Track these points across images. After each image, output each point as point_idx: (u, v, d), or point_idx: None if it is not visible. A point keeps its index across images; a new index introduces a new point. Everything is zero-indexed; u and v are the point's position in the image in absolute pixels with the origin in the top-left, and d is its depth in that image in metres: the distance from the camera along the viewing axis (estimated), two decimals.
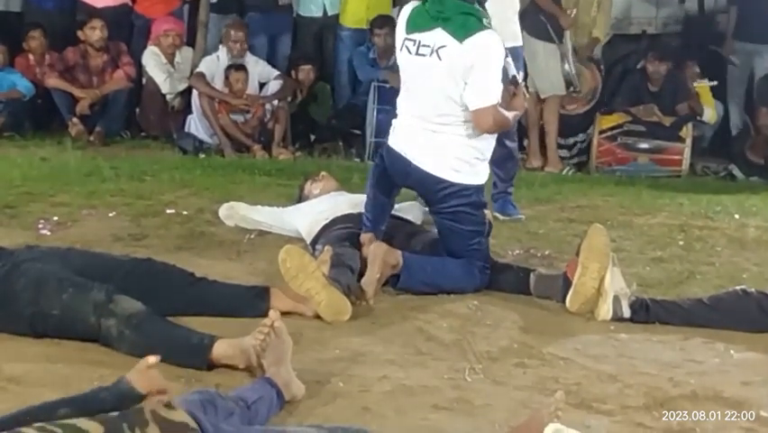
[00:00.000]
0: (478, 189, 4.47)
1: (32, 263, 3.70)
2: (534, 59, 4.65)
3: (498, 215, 5.62)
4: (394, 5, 8.73)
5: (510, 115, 4.44)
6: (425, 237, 4.73)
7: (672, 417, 3.24)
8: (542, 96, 7.97)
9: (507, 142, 5.49)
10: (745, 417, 3.28)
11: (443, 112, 4.36)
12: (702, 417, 3.26)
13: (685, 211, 6.33)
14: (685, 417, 3.25)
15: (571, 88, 7.85)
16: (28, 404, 3.03)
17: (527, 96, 4.52)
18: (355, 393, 3.31)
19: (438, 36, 4.32)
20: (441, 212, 4.49)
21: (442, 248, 4.53)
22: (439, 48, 4.31)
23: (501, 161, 5.49)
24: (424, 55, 4.37)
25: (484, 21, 4.30)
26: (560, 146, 8.18)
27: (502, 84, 4.37)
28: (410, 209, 5.05)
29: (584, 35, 8.07)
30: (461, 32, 4.25)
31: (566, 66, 7.65)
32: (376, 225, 4.52)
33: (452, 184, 4.39)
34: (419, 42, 4.39)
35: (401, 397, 3.31)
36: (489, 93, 4.28)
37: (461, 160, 4.39)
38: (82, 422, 2.51)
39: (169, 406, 2.62)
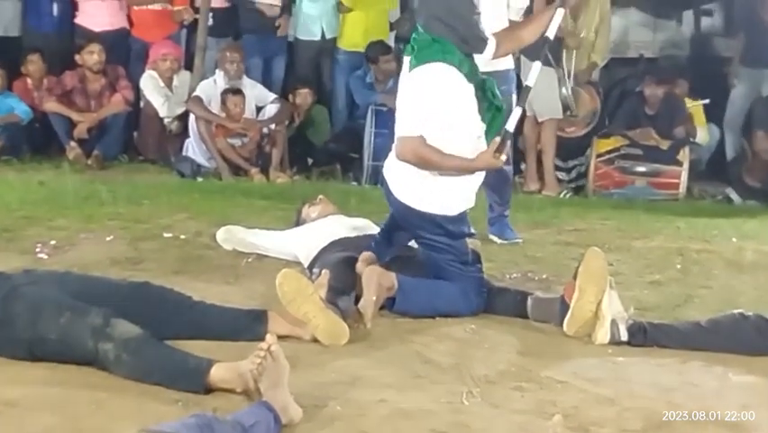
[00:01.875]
0: (452, 220, 4.38)
1: (30, 287, 3.70)
2: (520, 103, 4.68)
3: (495, 238, 5.65)
4: (391, 29, 8.79)
5: (455, 161, 4.25)
6: (423, 259, 4.74)
7: None
8: (539, 120, 8.00)
9: (503, 167, 5.46)
10: None
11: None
12: None
13: (682, 235, 6.33)
14: None
15: (568, 112, 7.87)
16: (24, 429, 3.05)
17: (500, 157, 4.30)
18: (353, 417, 3.30)
19: (405, 66, 4.39)
20: (420, 243, 4.52)
21: (436, 273, 4.51)
22: (403, 76, 4.39)
23: (497, 185, 5.52)
24: (402, 78, 4.44)
25: (446, 53, 4.20)
26: (558, 169, 8.20)
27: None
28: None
29: (583, 59, 8.09)
30: (414, 63, 4.27)
31: (563, 90, 7.66)
32: (377, 252, 4.52)
33: (422, 213, 4.36)
34: (403, 69, 4.45)
35: (399, 421, 3.30)
36: (415, 123, 4.22)
37: (429, 188, 4.33)
38: None
39: None
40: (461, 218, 4.44)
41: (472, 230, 4.53)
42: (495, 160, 4.26)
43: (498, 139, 4.25)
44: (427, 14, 4.32)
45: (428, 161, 4.23)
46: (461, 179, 4.39)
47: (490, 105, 4.33)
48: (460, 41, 4.27)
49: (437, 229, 4.38)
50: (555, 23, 4.64)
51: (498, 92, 4.39)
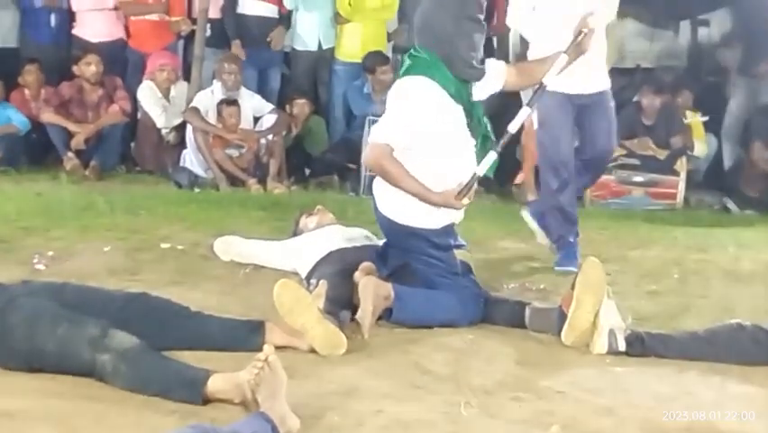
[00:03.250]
0: (436, 232, 4.38)
1: (27, 298, 3.70)
2: (495, 147, 4.65)
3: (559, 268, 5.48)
4: (389, 40, 8.80)
5: (413, 184, 4.17)
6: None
7: None
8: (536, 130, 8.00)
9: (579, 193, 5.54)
10: None
11: None
12: None
13: (680, 244, 6.35)
14: None
15: None
16: None
17: (462, 202, 4.17)
18: (351, 428, 3.30)
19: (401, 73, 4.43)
20: (408, 257, 4.50)
21: (431, 284, 4.52)
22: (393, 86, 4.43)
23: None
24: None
25: (430, 69, 4.19)
26: None
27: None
28: None
29: None
30: (400, 75, 4.34)
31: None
32: (382, 262, 4.54)
33: (405, 226, 4.38)
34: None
35: (397, 431, 3.30)
36: (386, 131, 4.24)
37: (410, 201, 4.31)
38: None
39: None
40: (447, 231, 4.43)
41: (461, 241, 4.52)
42: (456, 202, 4.20)
43: (463, 182, 4.19)
44: (422, 30, 4.33)
45: (387, 172, 4.21)
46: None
47: (476, 130, 4.35)
48: (448, 64, 4.24)
49: (423, 243, 4.39)
50: (557, 69, 4.52)
51: (483, 120, 4.36)
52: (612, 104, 5.54)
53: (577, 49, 4.53)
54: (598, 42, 5.14)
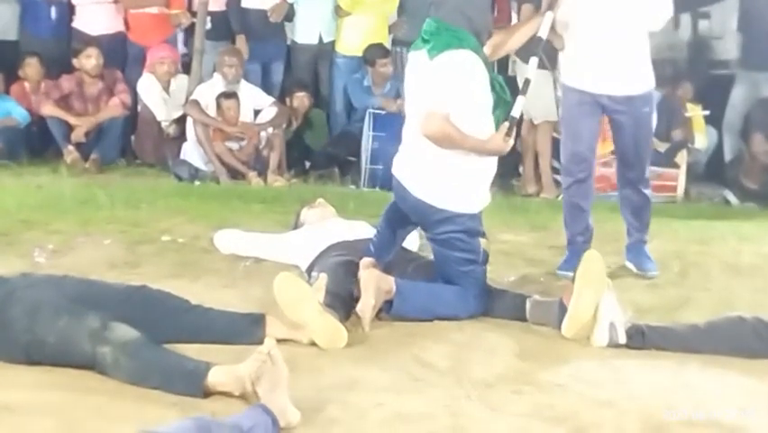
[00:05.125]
0: (471, 217, 4.46)
1: (27, 291, 3.70)
2: (523, 92, 4.66)
3: (632, 267, 5.43)
4: (389, 33, 8.79)
5: (472, 141, 4.36)
6: (420, 262, 4.76)
7: None
8: (534, 123, 8.00)
9: (643, 189, 5.37)
10: None
11: (420, 135, 4.40)
12: None
13: (680, 237, 6.34)
14: None
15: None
16: None
17: (509, 141, 4.42)
18: (351, 421, 3.31)
19: (420, 56, 4.43)
20: (434, 239, 4.51)
21: (437, 273, 4.55)
22: (418, 67, 4.44)
23: (636, 208, 5.42)
24: (409, 76, 4.55)
25: (463, 41, 4.32)
26: (557, 172, 8.19)
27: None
28: (409, 237, 5.06)
29: None
30: (433, 51, 4.34)
31: (558, 92, 7.65)
32: (379, 254, 4.53)
33: (443, 211, 4.40)
34: (411, 63, 4.56)
35: (397, 424, 3.31)
36: (443, 101, 4.30)
37: (450, 185, 4.40)
38: None
39: None
40: (479, 216, 4.50)
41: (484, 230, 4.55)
42: (504, 143, 4.40)
43: (506, 124, 4.40)
44: (449, 6, 4.39)
45: (451, 136, 4.30)
46: (479, 176, 4.49)
47: (498, 98, 4.43)
48: (474, 33, 4.38)
49: (455, 226, 4.41)
50: (546, 25, 4.84)
51: (503, 84, 4.50)
52: (647, 109, 5.30)
53: (553, 3, 4.89)
54: (631, 45, 5.14)
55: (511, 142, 4.46)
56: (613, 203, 5.87)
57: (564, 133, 5.46)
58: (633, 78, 5.18)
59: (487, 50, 4.56)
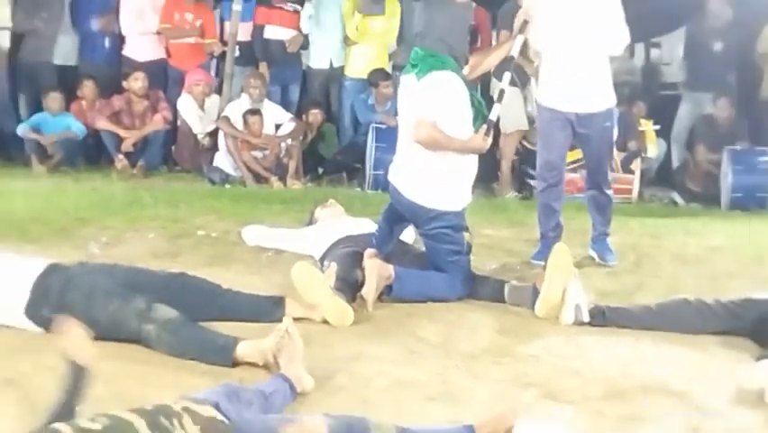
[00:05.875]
0: (456, 214, 4.44)
1: (84, 277, 3.71)
2: (499, 101, 4.71)
3: (595, 256, 5.38)
4: (390, 60, 8.77)
5: (456, 143, 4.36)
6: (416, 253, 4.75)
7: (625, 405, 3.25)
8: (506, 133, 7.94)
9: (606, 190, 5.35)
10: (686, 406, 3.29)
11: (412, 144, 4.40)
12: (651, 406, 3.27)
13: (635, 232, 6.32)
14: (636, 406, 3.26)
15: (534, 125, 7.85)
16: (85, 399, 3.03)
17: (487, 140, 4.42)
18: (357, 387, 3.32)
19: (409, 79, 4.44)
20: (426, 233, 4.50)
21: (429, 262, 4.53)
22: (408, 88, 4.45)
23: (601, 207, 5.38)
24: (401, 96, 4.56)
25: (445, 64, 4.33)
26: (531, 177, 8.17)
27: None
28: (405, 231, 5.05)
29: None
30: (420, 73, 4.35)
31: (529, 108, 7.67)
32: (380, 246, 4.52)
33: (432, 210, 4.39)
34: (402, 85, 4.57)
35: (396, 390, 3.31)
36: (428, 112, 4.30)
37: (437, 188, 4.38)
38: (125, 414, 2.50)
39: (197, 403, 2.63)
40: (463, 214, 4.48)
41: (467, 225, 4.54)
42: (483, 141, 4.40)
43: (484, 126, 4.40)
44: (433, 36, 4.40)
45: (438, 140, 4.30)
46: (461, 179, 4.47)
47: (477, 111, 4.43)
48: (454, 57, 4.39)
49: (443, 222, 4.40)
50: (517, 45, 4.85)
51: (481, 100, 4.53)
52: (609, 124, 5.28)
53: (523, 28, 4.90)
54: (594, 69, 5.10)
55: (489, 140, 4.45)
56: (579, 203, 5.86)
57: (539, 144, 5.44)
58: (596, 97, 5.15)
59: (467, 70, 4.57)
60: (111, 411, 2.52)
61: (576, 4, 4.96)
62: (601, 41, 5.03)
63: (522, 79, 7.45)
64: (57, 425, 2.40)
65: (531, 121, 7.82)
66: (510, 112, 7.25)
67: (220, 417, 2.58)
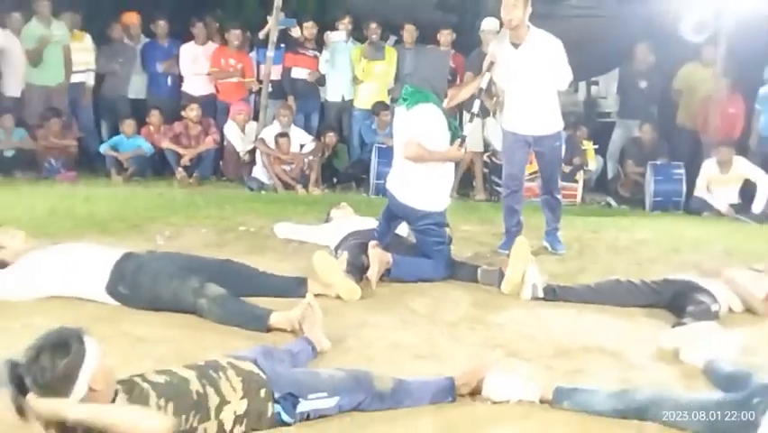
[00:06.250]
0: (439, 214, 4.42)
1: (152, 263, 3.71)
2: (470, 121, 4.75)
3: (548, 246, 5.35)
4: (388, 94, 8.76)
5: (438, 155, 4.35)
6: (409, 244, 4.74)
7: (570, 362, 3.25)
8: (473, 151, 7.87)
9: (556, 195, 5.35)
10: (619, 362, 3.29)
11: (404, 160, 4.39)
12: (590, 362, 3.28)
13: (579, 228, 6.31)
14: (579, 362, 3.27)
15: (490, 147, 7.84)
16: (147, 356, 3.04)
17: (461, 150, 4.44)
18: (362, 348, 3.32)
19: (400, 110, 4.47)
20: (416, 229, 4.50)
21: (419, 251, 4.53)
22: (400, 116, 4.46)
23: (552, 208, 5.36)
24: (395, 122, 4.54)
25: (428, 98, 4.34)
26: (498, 185, 8.14)
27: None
28: (402, 228, 5.05)
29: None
30: (409, 105, 4.37)
31: (485, 133, 7.68)
32: (380, 238, 4.52)
33: (420, 210, 4.39)
34: (396, 114, 4.57)
35: (393, 350, 3.31)
36: (415, 134, 4.31)
37: (423, 193, 4.38)
38: (181, 369, 2.50)
39: (239, 359, 2.63)
40: (444, 213, 4.48)
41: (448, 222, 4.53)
42: (458, 152, 4.41)
43: (459, 140, 4.41)
44: (419, 77, 4.45)
45: (422, 155, 4.32)
46: (443, 186, 4.46)
47: (454, 134, 4.45)
48: (435, 93, 4.40)
49: (429, 220, 4.40)
50: (485, 81, 4.86)
51: (456, 124, 4.56)
52: (558, 144, 5.21)
53: (490, 67, 4.87)
54: (545, 102, 5.08)
55: (463, 151, 4.46)
56: (535, 205, 5.85)
57: (504, 160, 5.43)
58: (548, 123, 5.14)
59: (446, 102, 4.58)
60: (171, 367, 2.53)
61: (529, 52, 4.94)
62: (550, 79, 5.02)
63: (483, 112, 7.45)
64: (135, 378, 2.40)
65: (486, 144, 7.83)
66: (472, 136, 7.23)
67: (257, 370, 2.58)
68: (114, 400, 2.26)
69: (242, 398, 2.48)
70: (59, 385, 2.14)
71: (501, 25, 5.08)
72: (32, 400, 2.14)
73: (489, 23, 7.42)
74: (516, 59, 4.95)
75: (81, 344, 2.21)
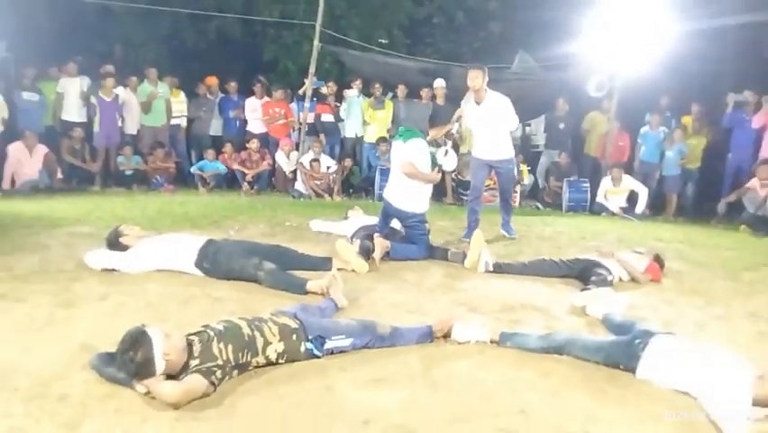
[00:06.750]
0: (422, 214, 4.41)
1: (226, 247, 3.70)
2: (444, 155, 4.78)
3: (505, 233, 5.32)
4: (387, 132, 8.73)
5: (425, 176, 4.34)
6: (401, 235, 4.71)
7: (512, 315, 3.24)
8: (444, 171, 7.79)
9: (509, 200, 5.34)
10: (545, 316, 3.29)
11: (399, 175, 4.39)
12: (526, 315, 3.27)
13: (517, 224, 6.29)
14: (519, 315, 3.26)
15: (452, 170, 7.79)
16: (217, 312, 3.03)
17: (438, 175, 4.45)
18: (370, 305, 3.31)
19: (397, 143, 4.44)
20: (406, 225, 4.49)
21: (408, 240, 4.51)
22: (397, 147, 4.44)
23: (507, 209, 5.37)
24: (393, 152, 4.51)
25: (418, 135, 4.35)
26: (464, 194, 8.11)
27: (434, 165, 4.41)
28: (395, 223, 5.03)
29: (465, 147, 7.90)
30: (405, 139, 4.36)
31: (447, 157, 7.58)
32: (381, 231, 4.50)
33: (408, 212, 4.38)
34: (393, 146, 4.53)
35: (391, 308, 3.31)
36: (410, 158, 4.30)
37: (410, 200, 4.36)
38: (236, 319, 2.52)
39: (282, 314, 2.64)
40: (425, 213, 4.47)
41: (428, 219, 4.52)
42: (437, 176, 4.41)
43: (437, 168, 4.43)
44: (409, 121, 4.46)
45: (415, 173, 4.32)
46: (424, 195, 4.43)
47: (433, 162, 4.44)
48: (421, 132, 4.43)
49: (415, 219, 4.39)
50: (455, 126, 4.87)
51: (435, 157, 4.50)
52: (511, 166, 5.16)
53: (458, 119, 4.85)
54: (501, 138, 5.07)
55: (439, 176, 4.48)
56: (490, 209, 5.82)
57: (471, 176, 5.43)
58: (503, 152, 5.15)
59: (428, 138, 4.56)
60: (231, 318, 2.53)
61: (488, 107, 4.95)
62: (503, 124, 5.05)
63: (455, 147, 7.42)
64: (205, 327, 2.42)
65: (459, 167, 7.79)
66: (445, 163, 7.23)
67: (292, 323, 2.59)
68: (189, 351, 2.29)
69: (280, 340, 2.50)
70: (145, 369, 2.22)
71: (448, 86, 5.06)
72: (136, 385, 2.22)
73: (439, 82, 7.59)
74: (480, 113, 4.99)
75: (146, 335, 2.22)
